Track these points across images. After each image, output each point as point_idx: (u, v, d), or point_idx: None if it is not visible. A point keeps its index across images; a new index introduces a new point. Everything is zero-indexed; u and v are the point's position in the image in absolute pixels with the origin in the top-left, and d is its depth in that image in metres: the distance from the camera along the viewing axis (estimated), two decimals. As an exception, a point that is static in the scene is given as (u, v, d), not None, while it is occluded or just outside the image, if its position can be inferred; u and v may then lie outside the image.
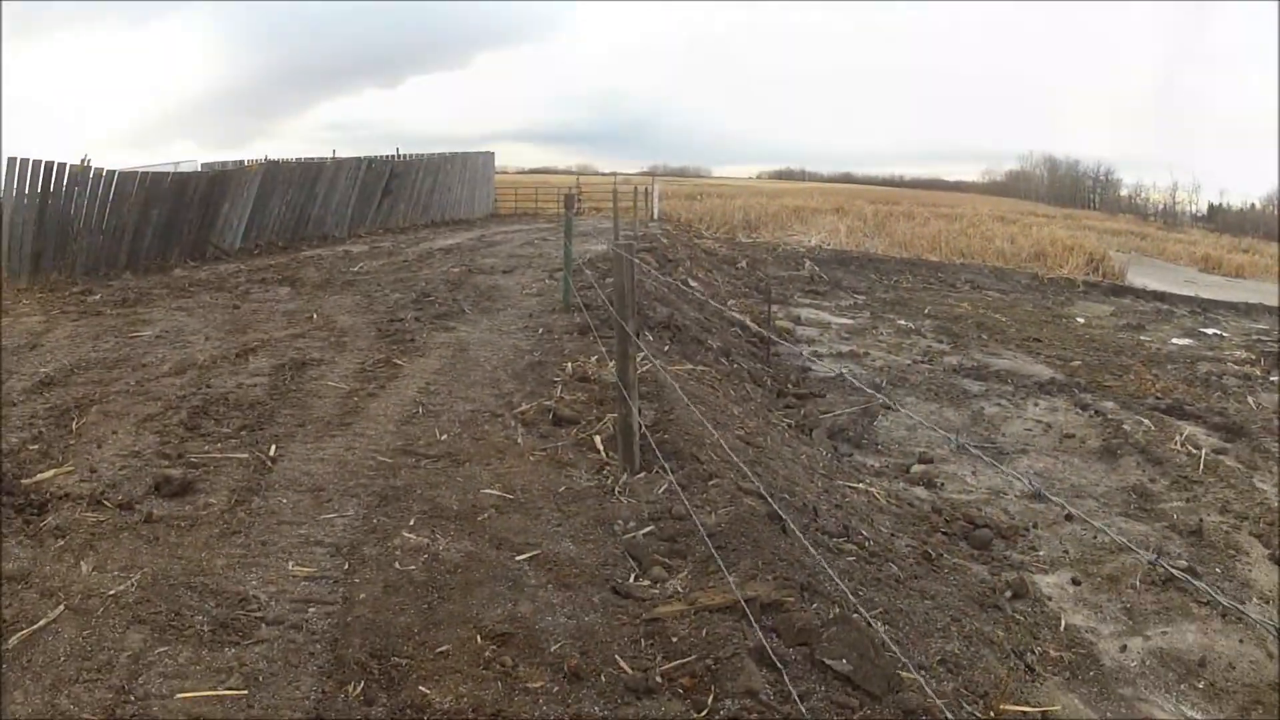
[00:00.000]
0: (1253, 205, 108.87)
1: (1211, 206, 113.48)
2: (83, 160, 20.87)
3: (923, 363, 18.99)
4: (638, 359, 7.98)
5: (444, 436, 9.01)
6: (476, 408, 10.00)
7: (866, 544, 7.90)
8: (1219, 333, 27.00)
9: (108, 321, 14.42)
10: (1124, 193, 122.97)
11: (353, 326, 14.27)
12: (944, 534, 9.44)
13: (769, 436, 11.06)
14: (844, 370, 16.46)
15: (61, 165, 19.45)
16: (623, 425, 8.12)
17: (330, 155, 32.67)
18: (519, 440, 8.98)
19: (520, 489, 7.78)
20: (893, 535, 8.86)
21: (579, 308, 14.87)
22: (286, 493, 7.54)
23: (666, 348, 13.75)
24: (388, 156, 34.53)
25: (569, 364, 11.66)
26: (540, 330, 13.97)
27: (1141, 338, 24.75)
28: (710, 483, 8.00)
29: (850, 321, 24.37)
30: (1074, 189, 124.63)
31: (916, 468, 11.85)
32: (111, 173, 20.94)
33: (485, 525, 7.05)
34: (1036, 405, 15.52)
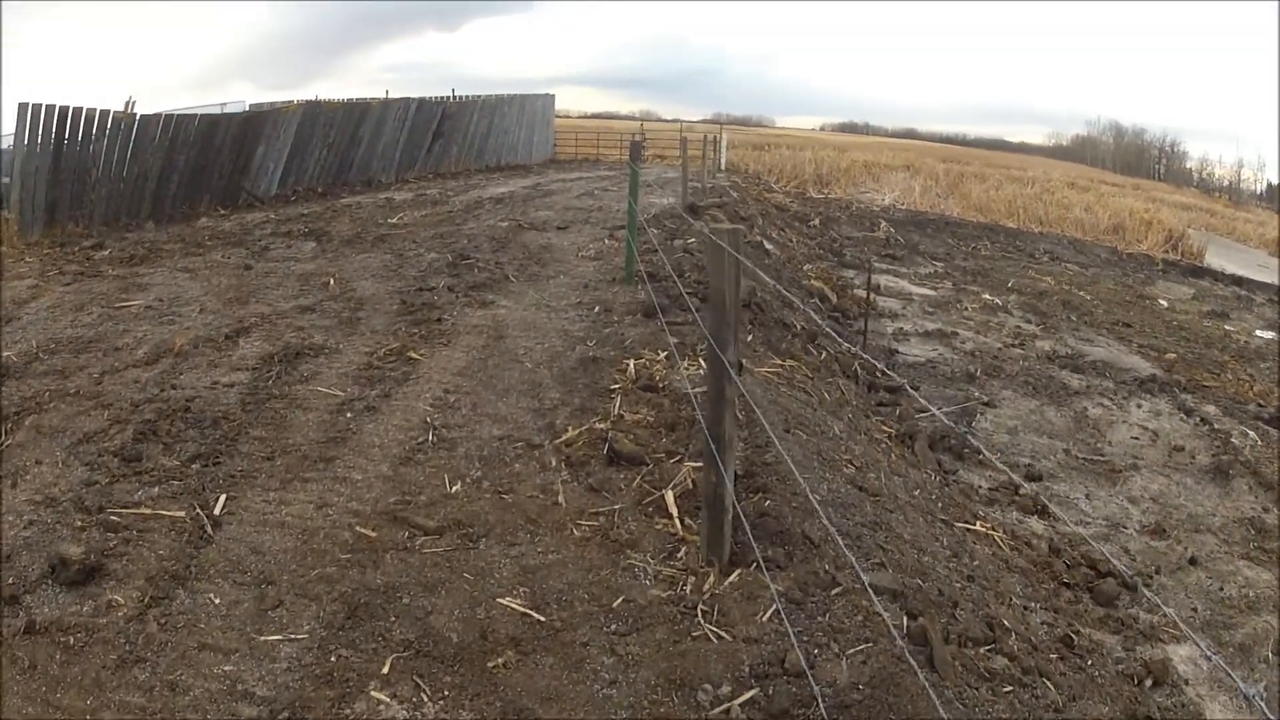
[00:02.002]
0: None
1: (1270, 185, 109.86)
2: (127, 104, 19.54)
3: (1015, 346, 17.31)
4: (729, 381, 5.19)
5: (455, 487, 6.32)
6: (507, 433, 7.33)
7: (1014, 650, 5.93)
8: None
9: (102, 285, 12.45)
10: (1190, 165, 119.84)
11: (373, 297, 11.70)
12: (1067, 585, 8.16)
13: (879, 471, 8.50)
14: (935, 353, 16.04)
15: (77, 110, 17.63)
16: (710, 496, 5.32)
17: (384, 95, 30.03)
18: (560, 496, 6.25)
19: (556, 598, 5.11)
20: (1026, 608, 7.13)
21: (643, 279, 12.21)
22: (223, 584, 5.16)
23: (749, 335, 11.01)
24: (440, 98, 31.92)
25: (631, 362, 8.93)
26: (597, 309, 11.24)
27: (1226, 327, 23.42)
28: (834, 593, 5.25)
29: (932, 293, 22.38)
30: (1139, 158, 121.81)
31: (1026, 488, 10.20)
32: (133, 116, 19.05)
33: (498, 681, 4.40)
34: (1139, 407, 14.21)
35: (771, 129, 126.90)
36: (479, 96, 34.53)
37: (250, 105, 30.37)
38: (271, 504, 6.05)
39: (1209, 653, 3.78)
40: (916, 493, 8.58)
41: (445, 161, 31.73)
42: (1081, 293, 24.81)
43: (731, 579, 5.22)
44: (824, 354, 12.56)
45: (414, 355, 9.02)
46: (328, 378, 8.45)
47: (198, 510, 5.88)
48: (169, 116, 20.16)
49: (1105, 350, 17.72)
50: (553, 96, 43.67)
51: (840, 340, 14.23)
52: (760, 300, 12.79)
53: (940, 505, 8.59)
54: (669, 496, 6.20)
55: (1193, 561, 9.28)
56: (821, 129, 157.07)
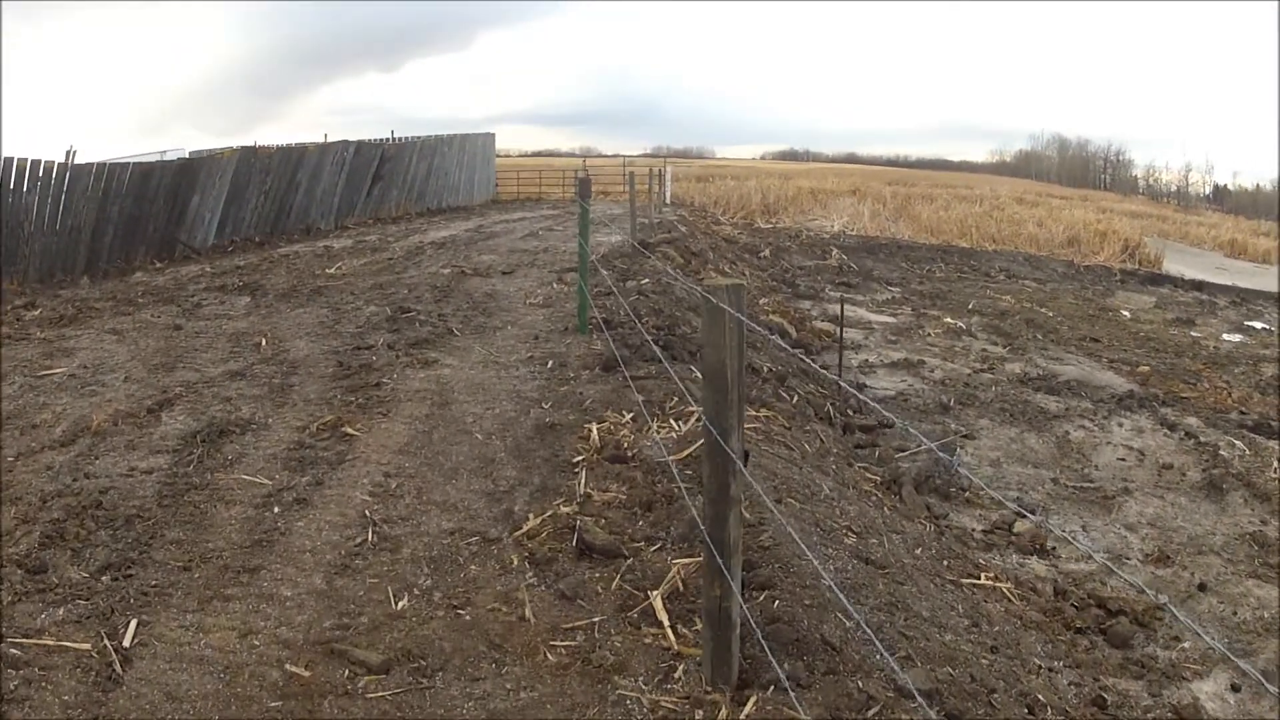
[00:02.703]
0: (1258, 186, 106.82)
1: (1217, 188, 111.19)
2: (68, 153, 18.57)
3: (984, 371, 16.71)
4: (735, 476, 4.20)
5: (402, 602, 5.28)
6: (458, 525, 6.30)
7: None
8: (1267, 326, 25.76)
9: (27, 350, 11.37)
10: (1136, 173, 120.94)
11: (307, 358, 10.65)
12: (1080, 631, 7.63)
13: (879, 533, 7.64)
14: (904, 385, 15.45)
15: (7, 160, 16.63)
16: (713, 611, 4.30)
17: (322, 139, 28.99)
18: (526, 608, 5.20)
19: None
20: (1051, 669, 6.59)
21: (599, 326, 11.26)
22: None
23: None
24: (378, 140, 30.75)
25: (593, 427, 7.95)
26: (550, 364, 10.23)
27: (1193, 334, 23.32)
28: (870, 714, 4.28)
29: (892, 320, 21.68)
30: (1085, 169, 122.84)
31: (1020, 525, 9.73)
32: (64, 166, 18.02)
33: None
34: (1121, 426, 13.74)
35: (713, 160, 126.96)
36: (418, 138, 33.42)
37: (190, 152, 29.25)
38: (189, 630, 5.02)
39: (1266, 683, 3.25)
40: (918, 551, 7.83)
41: (385, 205, 30.64)
42: (1043, 309, 24.44)
43: (748, 710, 4.20)
44: (795, 397, 11.65)
45: (350, 430, 7.96)
46: (254, 461, 7.41)
47: (105, 642, 4.85)
48: (100, 165, 19.18)
49: (1077, 368, 17.24)
50: (493, 135, 42.74)
51: (819, 381, 13.43)
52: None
53: (944, 562, 7.88)
54: (657, 602, 5.18)
55: (1202, 587, 8.89)
56: (762, 158, 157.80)
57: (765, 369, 12.05)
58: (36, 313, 13.86)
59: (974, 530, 9.59)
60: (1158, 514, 10.54)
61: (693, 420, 7.90)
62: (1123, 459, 12.28)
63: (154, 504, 6.58)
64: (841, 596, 4.68)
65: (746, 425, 8.45)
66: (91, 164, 19.01)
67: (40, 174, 17.35)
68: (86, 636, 4.89)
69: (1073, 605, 8.14)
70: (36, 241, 17.38)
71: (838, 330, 18.94)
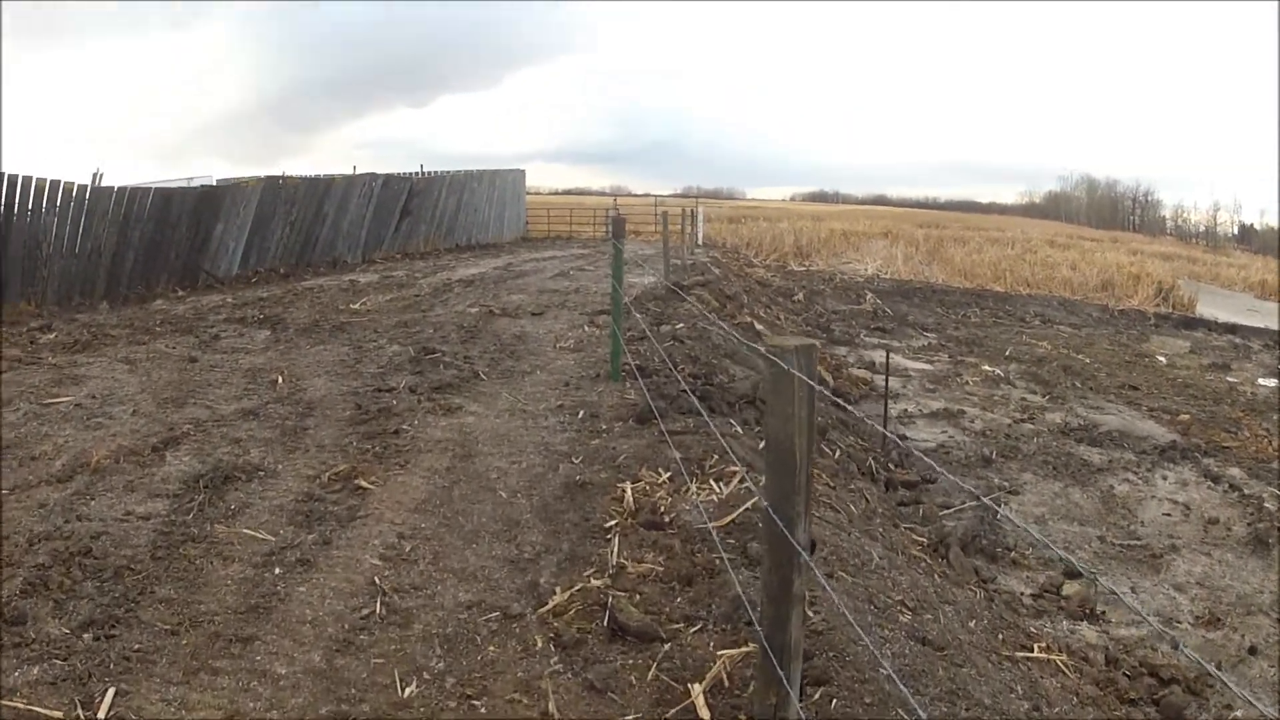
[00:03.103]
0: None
1: (1244, 227, 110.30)
2: (94, 174, 18.77)
3: (1024, 421, 16.21)
4: (801, 571, 3.57)
5: (410, 689, 4.64)
6: (477, 597, 5.64)
7: None
8: None
9: (37, 376, 11.05)
10: (1164, 213, 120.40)
11: (324, 399, 10.07)
12: (1133, 703, 7.23)
13: (933, 607, 6.93)
14: (945, 436, 15.05)
15: (26, 179, 16.36)
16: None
17: (351, 171, 28.52)
18: (550, 701, 4.54)
19: None
20: None
21: (632, 373, 10.65)
22: None
23: (761, 440, 9.39)
24: (407, 174, 30.29)
25: (628, 487, 7.30)
26: (581, 414, 9.58)
27: (1229, 379, 22.68)
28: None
29: (929, 367, 21.15)
30: (1113, 210, 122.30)
31: (1069, 588, 9.41)
32: (84, 188, 17.76)
33: None
34: (1165, 479, 13.35)
35: (743, 200, 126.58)
36: (448, 172, 32.95)
37: (217, 180, 28.88)
38: (171, 705, 4.43)
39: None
40: (972, 623, 7.18)
41: (413, 240, 30.19)
42: (1080, 355, 23.87)
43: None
44: (838, 451, 11.08)
45: (364, 483, 7.32)
46: (258, 512, 6.80)
47: (79, 711, 4.31)
48: (122, 189, 18.92)
49: (1118, 418, 16.74)
50: (523, 172, 42.25)
51: (859, 434, 12.87)
52: (764, 395, 11.24)
53: (998, 635, 7.23)
54: (699, 699, 4.52)
55: (1252, 651, 8.54)
56: (792, 199, 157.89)
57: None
58: (51, 336, 13.51)
59: (1023, 594, 9.17)
60: (1206, 573, 10.21)
61: (735, 481, 7.29)
62: (1168, 514, 11.93)
63: (147, 555, 6.01)
64: (904, 689, 4.06)
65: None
66: (112, 187, 18.78)
67: (60, 195, 17.07)
68: (60, 702, 4.37)
69: (1125, 675, 7.77)
70: (55, 264, 17.11)
71: (873, 378, 18.50)
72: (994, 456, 13.89)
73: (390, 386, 10.49)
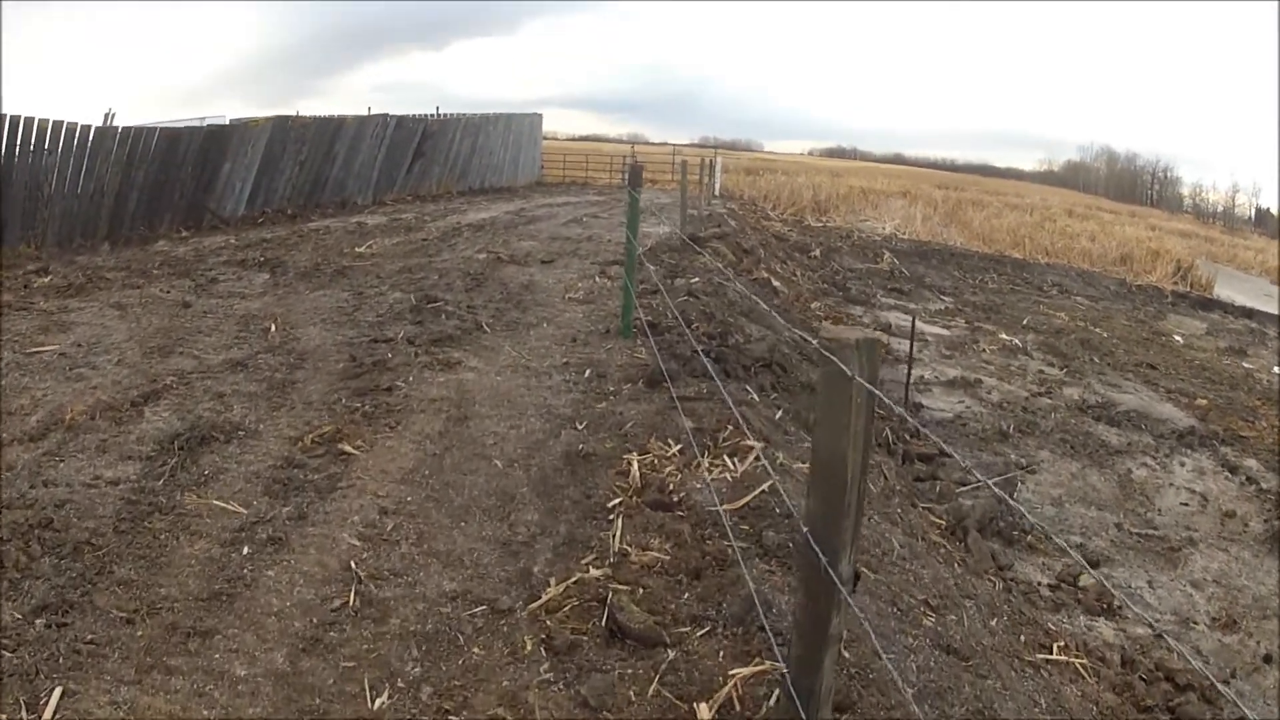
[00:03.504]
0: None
1: (1259, 210, 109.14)
2: (107, 114, 18.41)
3: (1042, 395, 15.79)
4: (839, 609, 2.97)
5: (381, 699, 4.08)
6: (463, 587, 5.06)
7: None
8: None
9: (25, 322, 10.41)
10: (1183, 191, 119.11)
11: (317, 349, 9.48)
12: (1147, 710, 6.98)
13: (956, 607, 6.47)
14: (962, 407, 14.47)
15: (29, 120, 15.73)
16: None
17: (366, 113, 27.75)
18: (537, 716, 3.99)
19: None
20: None
21: (643, 330, 10.04)
22: None
23: (778, 409, 8.77)
24: (421, 115, 29.50)
25: (634, 460, 6.71)
26: (588, 373, 8.96)
27: (1245, 365, 22.24)
28: None
29: (946, 332, 20.59)
30: (1132, 184, 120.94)
31: (1086, 578, 9.05)
32: (87, 128, 17.08)
33: None
34: (1183, 465, 13.02)
35: (760, 153, 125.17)
36: (462, 115, 32.11)
37: (231, 120, 28.21)
38: (120, 709, 3.93)
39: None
40: (994, 622, 6.74)
41: (426, 183, 29.44)
42: (1097, 329, 23.37)
43: None
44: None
45: (348, 448, 6.71)
46: (233, 479, 6.22)
47: (23, 713, 3.83)
48: (126, 129, 18.20)
49: (1135, 398, 16.26)
50: (540, 116, 41.20)
51: (893, 408, 12.28)
52: (782, 357, 10.61)
53: (1019, 636, 6.87)
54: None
55: (1267, 659, 8.29)
56: (810, 153, 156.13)
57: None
58: (46, 280, 12.86)
59: (1040, 584, 8.81)
60: (1223, 570, 9.91)
61: (750, 459, 6.68)
62: (1185, 503, 11.61)
63: (110, 528, 5.45)
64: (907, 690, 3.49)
65: (805, 456, 7.29)
66: (116, 127, 18.15)
67: (62, 136, 16.42)
68: (5, 703, 3.89)
69: (1141, 679, 7.50)
70: (56, 205, 16.48)
71: (890, 341, 17.89)
72: (1011, 431, 13.47)
73: (388, 337, 9.88)
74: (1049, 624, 7.66)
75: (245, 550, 5.27)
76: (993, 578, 8.33)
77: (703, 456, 6.71)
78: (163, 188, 18.96)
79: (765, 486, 6.16)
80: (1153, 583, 9.34)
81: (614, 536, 5.56)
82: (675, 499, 6.10)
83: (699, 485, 6.25)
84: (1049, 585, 8.85)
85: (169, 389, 8.07)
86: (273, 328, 10.30)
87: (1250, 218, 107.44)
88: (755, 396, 8.66)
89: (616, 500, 6.07)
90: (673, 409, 7.55)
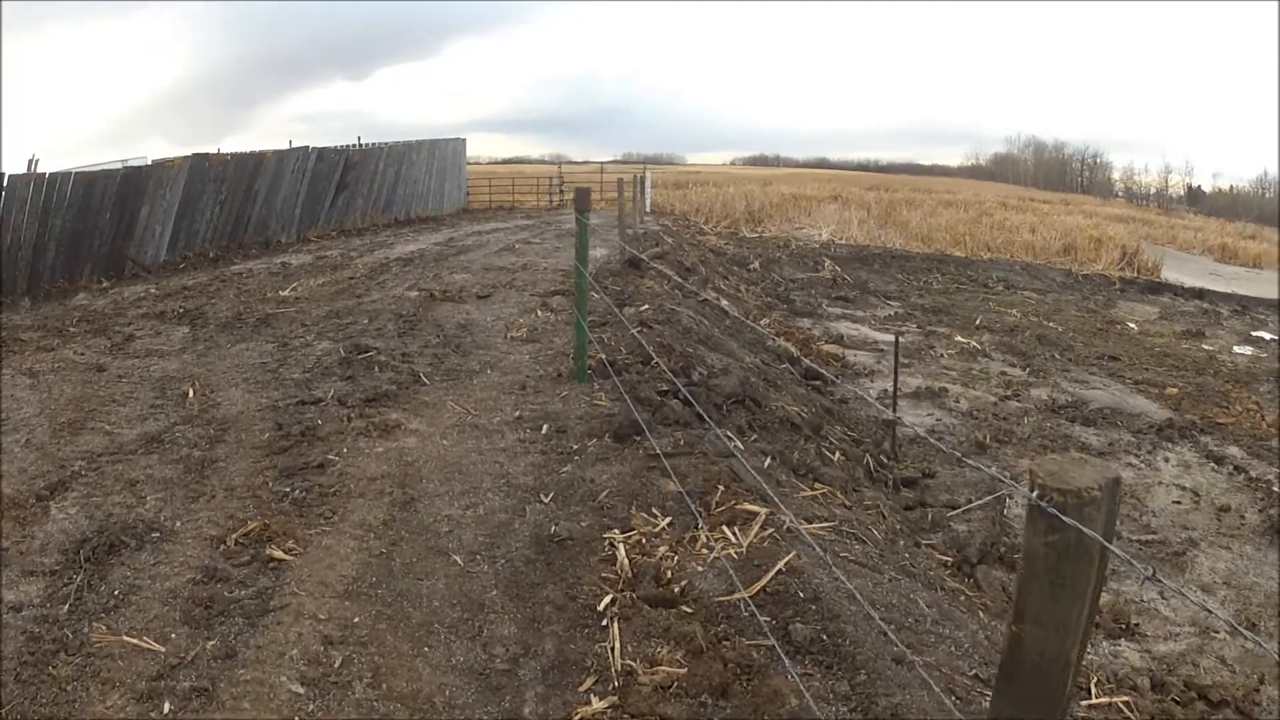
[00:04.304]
0: (1232, 187, 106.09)
1: (1190, 189, 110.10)
2: (30, 161, 17.24)
3: (1010, 399, 15.08)
4: None
5: None
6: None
7: None
8: (1275, 337, 24.31)
9: None
10: (1114, 175, 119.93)
11: (238, 419, 8.33)
12: None
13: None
14: (931, 419, 13.65)
15: None
16: None
17: (287, 146, 26.50)
18: None
19: None
20: None
21: (602, 370, 9.00)
22: None
23: (765, 457, 7.74)
24: (342, 146, 28.29)
25: (617, 538, 5.66)
26: (545, 428, 7.85)
27: (1205, 346, 21.99)
28: None
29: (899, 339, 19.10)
30: (1062, 172, 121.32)
31: (1103, 597, 7.60)
32: (0, 175, 15.94)
33: None
34: (1167, 461, 12.56)
35: (683, 166, 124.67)
36: (385, 143, 30.92)
37: (153, 161, 26.97)
38: None
39: None
40: None
41: (350, 216, 28.22)
42: (1050, 323, 22.79)
43: None
44: (838, 452, 9.52)
45: (278, 553, 5.56)
46: (148, 601, 5.11)
47: None
48: (40, 176, 17.09)
49: (1105, 393, 15.75)
50: (464, 141, 40.03)
51: (845, 422, 11.37)
52: (754, 390, 9.61)
53: None
54: None
55: None
56: (732, 163, 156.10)
57: (797, 415, 9.89)
58: (-44, 344, 11.63)
59: None
60: (1230, 569, 9.49)
61: (757, 528, 5.66)
62: (1178, 501, 11.13)
63: (12, 677, 4.40)
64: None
65: (816, 524, 6.28)
66: (30, 175, 16.99)
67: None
68: None
69: (1175, 701, 7.01)
70: (-26, 260, 15.29)
71: (844, 353, 17.29)
72: (988, 441, 12.76)
73: (316, 398, 8.76)
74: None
75: (166, 707, 4.16)
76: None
77: (698, 529, 5.69)
78: (81, 236, 17.91)
79: (782, 565, 5.16)
80: (1164, 593, 8.69)
81: (612, 650, 4.51)
82: (676, 589, 5.07)
83: (700, 567, 5.24)
84: None
85: (78, 476, 6.98)
86: (190, 392, 9.19)
87: (1182, 196, 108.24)
88: (739, 443, 7.63)
89: (607, 598, 5.01)
90: (650, 468, 6.55)
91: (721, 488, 6.29)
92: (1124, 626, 8.01)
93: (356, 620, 4.87)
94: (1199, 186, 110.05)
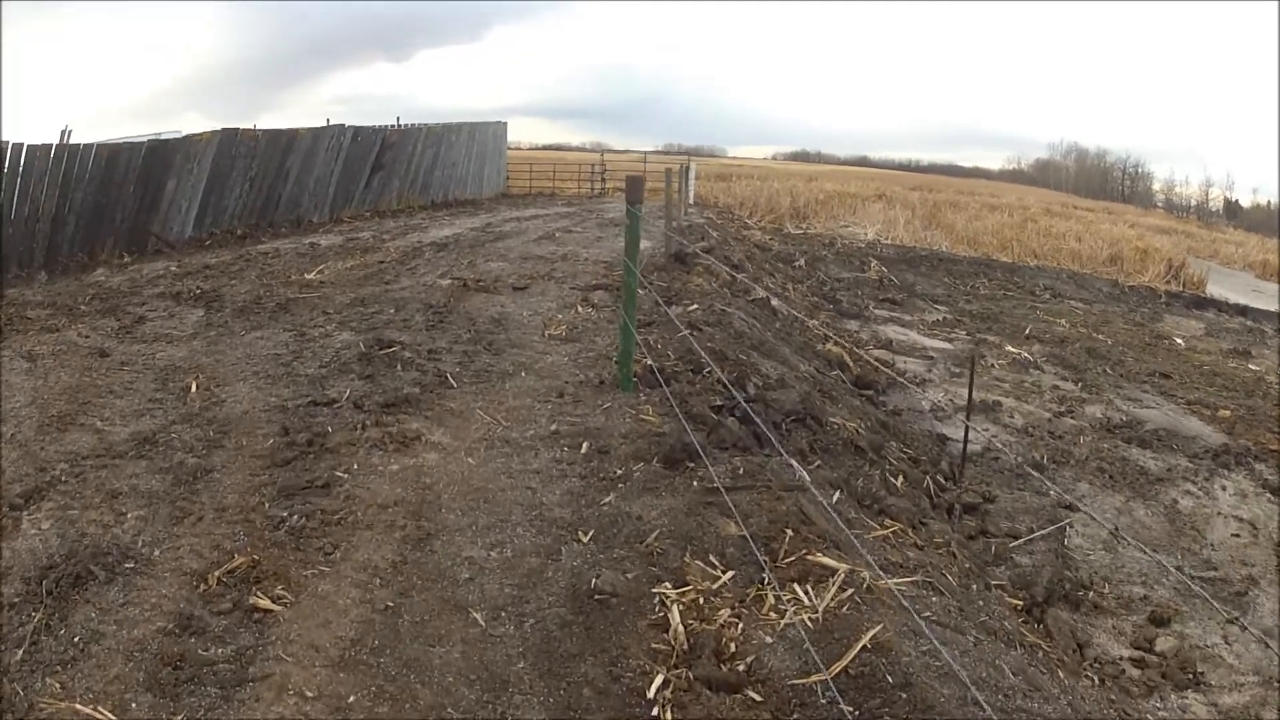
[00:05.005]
0: (1269, 203, 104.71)
1: (1228, 203, 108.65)
2: (63, 132, 16.85)
3: (1064, 415, 14.11)
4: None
5: None
6: None
7: None
8: None
9: None
10: (1155, 186, 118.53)
11: (241, 419, 7.42)
12: None
13: None
14: (986, 434, 12.39)
15: None
16: None
17: (325, 124, 25.72)
18: None
19: None
20: None
21: (649, 378, 8.06)
22: None
23: (834, 490, 6.76)
24: (379, 126, 27.44)
25: (669, 597, 4.70)
26: (585, 448, 6.89)
27: (1252, 367, 20.56)
28: None
29: (948, 346, 18.73)
30: (1103, 181, 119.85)
31: (1163, 641, 7.94)
32: (18, 146, 15.37)
33: None
34: (1224, 490, 11.69)
35: (725, 159, 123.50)
36: (424, 125, 30.05)
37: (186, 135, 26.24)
38: None
39: None
40: None
41: (385, 197, 27.46)
42: (1099, 336, 21.82)
43: None
44: (900, 477, 8.55)
45: (265, 601, 4.59)
46: (109, 655, 4.23)
47: None
48: (60, 147, 16.43)
49: (1159, 412, 14.68)
50: (505, 125, 39.05)
51: (900, 438, 10.51)
52: (816, 409, 8.64)
53: None
54: None
55: None
56: (774, 158, 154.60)
57: (858, 433, 8.96)
58: (-39, 321, 10.85)
59: (1122, 660, 7.54)
60: None
61: (835, 587, 4.71)
62: (1236, 534, 10.46)
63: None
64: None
65: (883, 558, 5.35)
66: (49, 145, 16.28)
67: (-8, 155, 14.58)
68: None
69: None
70: (-10, 231, 14.63)
71: (894, 359, 16.37)
72: (1046, 462, 11.96)
73: (329, 399, 7.83)
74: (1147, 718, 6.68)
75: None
76: (1087, 672, 7.01)
77: (764, 585, 4.75)
78: (102, 210, 17.28)
79: (867, 639, 4.21)
80: (1228, 638, 8.09)
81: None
82: (741, 667, 4.14)
83: (769, 638, 4.31)
84: (1131, 659, 7.63)
85: (57, 483, 6.12)
86: (194, 386, 8.29)
87: (1218, 210, 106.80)
88: (804, 473, 6.65)
89: (658, 680, 4.06)
90: (707, 504, 5.60)
91: (790, 532, 5.33)
92: (1191, 676, 7.47)
93: (352, 700, 3.92)
94: (1236, 200, 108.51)
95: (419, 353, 9.29)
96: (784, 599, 4.69)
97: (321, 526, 5.47)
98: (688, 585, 4.81)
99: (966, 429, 11.25)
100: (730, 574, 4.90)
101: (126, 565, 5.04)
